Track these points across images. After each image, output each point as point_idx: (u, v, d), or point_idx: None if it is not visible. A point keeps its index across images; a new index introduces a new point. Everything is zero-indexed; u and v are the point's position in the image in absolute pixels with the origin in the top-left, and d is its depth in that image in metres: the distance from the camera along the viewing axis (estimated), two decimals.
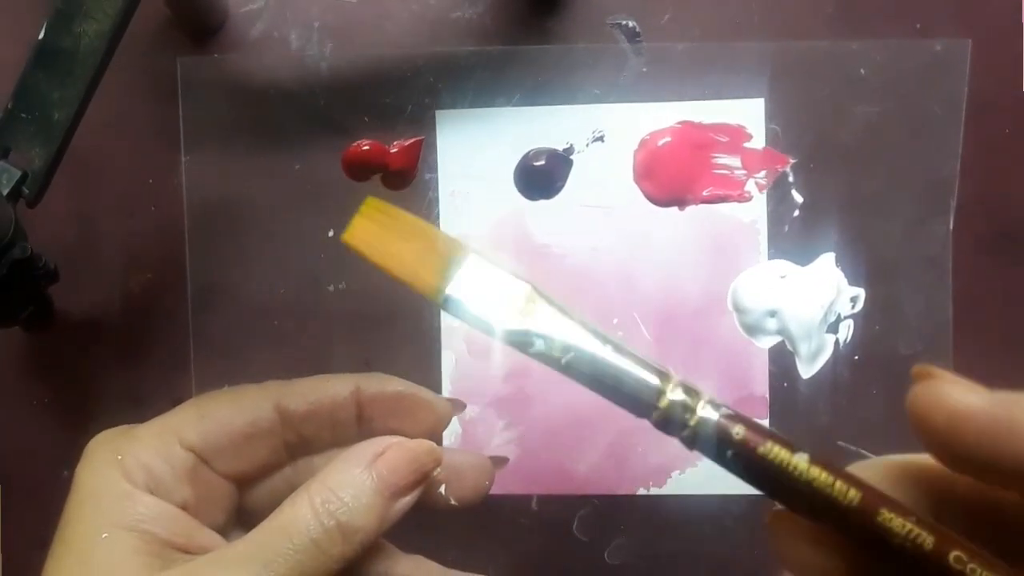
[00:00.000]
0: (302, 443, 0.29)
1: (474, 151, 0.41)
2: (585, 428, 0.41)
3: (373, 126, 0.41)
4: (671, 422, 0.21)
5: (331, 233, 0.41)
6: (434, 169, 0.41)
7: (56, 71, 0.34)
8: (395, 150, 0.40)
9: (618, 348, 0.22)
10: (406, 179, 0.41)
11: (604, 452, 0.41)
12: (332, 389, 0.28)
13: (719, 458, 0.21)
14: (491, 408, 0.41)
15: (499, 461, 0.31)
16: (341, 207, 0.41)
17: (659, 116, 0.41)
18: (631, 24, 0.41)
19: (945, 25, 0.41)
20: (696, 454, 0.21)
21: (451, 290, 0.23)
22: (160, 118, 0.41)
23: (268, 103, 0.41)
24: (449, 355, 0.41)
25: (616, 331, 0.41)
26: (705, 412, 0.21)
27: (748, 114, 0.41)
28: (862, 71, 0.41)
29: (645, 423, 0.22)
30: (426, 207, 0.41)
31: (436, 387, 0.41)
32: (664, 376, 0.22)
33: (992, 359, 0.40)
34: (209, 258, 0.42)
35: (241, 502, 0.29)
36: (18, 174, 0.34)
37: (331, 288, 0.41)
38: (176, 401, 0.29)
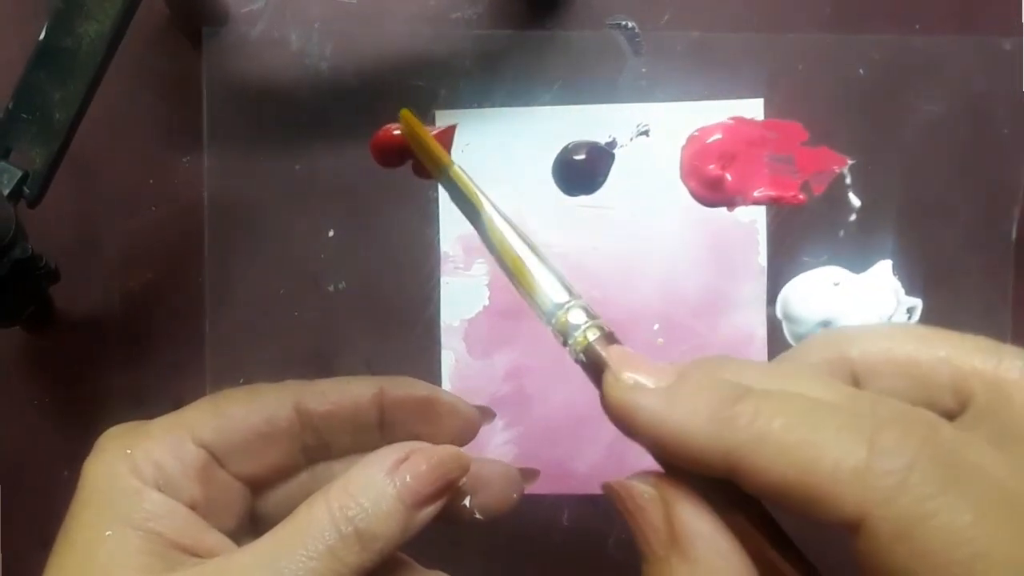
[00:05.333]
0: (321, 447, 0.28)
1: (473, 150, 0.41)
2: (585, 427, 0.41)
3: (373, 127, 0.41)
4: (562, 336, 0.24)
5: (331, 233, 0.41)
6: None
7: (57, 71, 0.34)
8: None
9: (543, 260, 0.25)
10: None
11: (604, 452, 0.41)
12: (354, 390, 0.27)
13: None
14: (491, 408, 0.41)
15: (529, 474, 0.29)
16: (341, 207, 0.42)
17: (660, 115, 0.41)
18: (630, 25, 0.41)
19: (946, 24, 0.41)
20: None
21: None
22: (161, 118, 0.42)
23: (267, 103, 0.41)
24: (449, 355, 0.41)
25: (656, 337, 0.40)
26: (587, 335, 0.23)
27: (748, 114, 0.41)
28: (871, 63, 0.39)
29: None
30: (426, 207, 0.41)
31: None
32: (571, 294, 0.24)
33: None
34: (209, 258, 0.42)
35: (255, 508, 0.28)
36: (19, 174, 0.34)
37: (331, 288, 0.42)
38: (177, 401, 0.28)
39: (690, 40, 0.41)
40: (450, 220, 0.41)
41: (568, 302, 0.24)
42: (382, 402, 0.27)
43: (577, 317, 0.23)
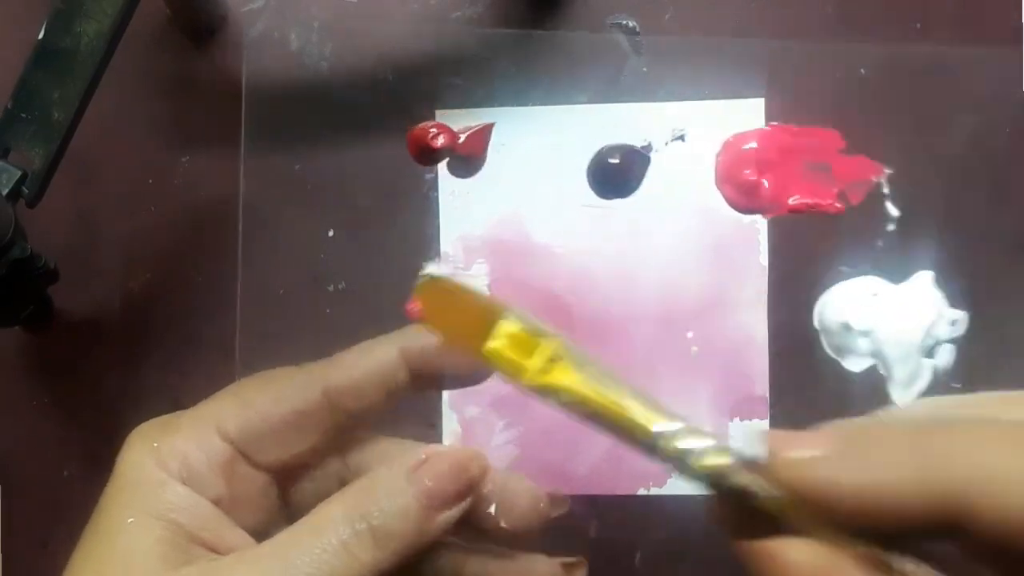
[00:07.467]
0: (353, 424, 0.28)
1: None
2: (584, 429, 0.41)
3: (373, 127, 0.41)
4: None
5: (331, 233, 0.41)
6: (434, 168, 0.41)
7: (56, 71, 0.34)
8: (463, 137, 0.39)
9: (642, 400, 0.23)
10: (474, 166, 0.40)
11: (603, 452, 0.41)
12: (378, 355, 0.27)
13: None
14: (491, 408, 0.41)
15: (558, 502, 0.29)
16: (341, 207, 0.42)
17: (661, 116, 0.41)
18: (631, 24, 0.41)
19: (944, 26, 0.41)
20: None
21: (487, 349, 0.24)
22: (160, 118, 0.41)
23: (267, 103, 0.41)
24: None
25: (690, 345, 0.40)
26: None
27: (748, 113, 0.40)
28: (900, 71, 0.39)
29: None
30: (426, 207, 0.41)
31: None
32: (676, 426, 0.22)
33: None
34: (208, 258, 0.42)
35: (287, 500, 0.28)
36: (18, 174, 0.34)
37: (331, 288, 0.41)
38: (176, 402, 0.28)
39: (692, 39, 0.41)
40: (450, 220, 0.41)
41: (675, 428, 0.22)
42: (407, 358, 0.27)
43: (692, 442, 0.21)
